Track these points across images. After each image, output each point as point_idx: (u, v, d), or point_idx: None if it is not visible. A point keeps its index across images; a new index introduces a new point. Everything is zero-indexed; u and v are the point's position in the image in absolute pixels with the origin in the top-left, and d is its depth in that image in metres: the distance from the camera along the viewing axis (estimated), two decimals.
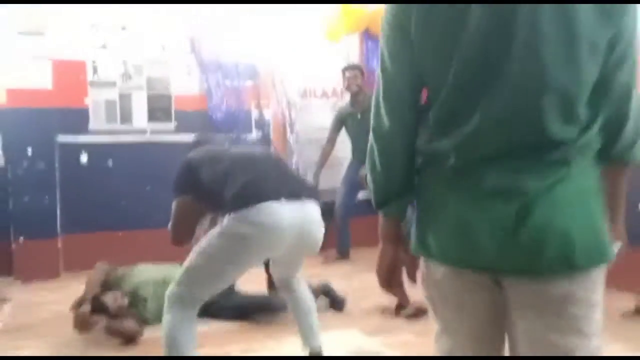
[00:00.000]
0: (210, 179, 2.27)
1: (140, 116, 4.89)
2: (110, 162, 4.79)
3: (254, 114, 5.24)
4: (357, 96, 4.80)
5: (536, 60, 1.03)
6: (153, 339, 3.05)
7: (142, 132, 4.89)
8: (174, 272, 3.42)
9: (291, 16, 5.14)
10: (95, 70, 4.74)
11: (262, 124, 5.25)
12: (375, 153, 1.23)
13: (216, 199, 2.22)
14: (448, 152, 1.12)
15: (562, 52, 1.03)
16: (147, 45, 4.88)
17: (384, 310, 3.47)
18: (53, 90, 4.51)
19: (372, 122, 1.24)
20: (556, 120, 1.05)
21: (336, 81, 5.45)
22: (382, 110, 1.21)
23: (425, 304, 1.32)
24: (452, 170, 1.12)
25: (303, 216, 2.21)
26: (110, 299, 3.12)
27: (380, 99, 1.22)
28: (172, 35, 4.93)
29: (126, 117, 4.85)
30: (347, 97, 5.15)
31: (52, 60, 4.51)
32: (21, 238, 4.41)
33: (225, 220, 2.14)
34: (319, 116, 5.40)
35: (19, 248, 4.41)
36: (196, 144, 2.69)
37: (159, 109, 4.95)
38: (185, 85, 5.01)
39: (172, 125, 4.97)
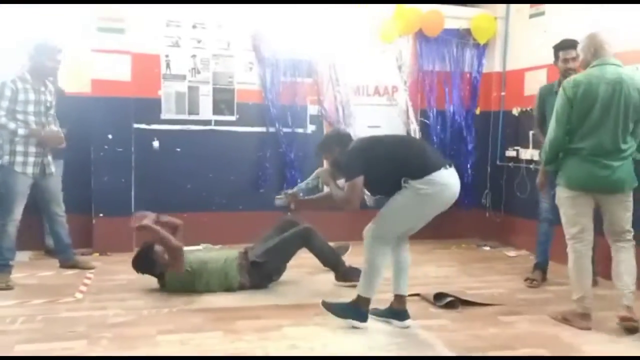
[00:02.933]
0: (389, 158, 3.17)
1: (206, 107, 5.32)
2: (178, 149, 5.25)
3: (310, 109, 5.56)
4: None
5: (617, 120, 3.20)
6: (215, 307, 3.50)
7: (207, 122, 5.32)
8: (233, 253, 3.93)
9: (347, 16, 5.44)
10: (167, 65, 5.20)
11: (316, 120, 5.56)
12: (548, 146, 3.37)
13: (395, 172, 3.12)
14: (583, 149, 3.23)
15: (623, 119, 3.21)
16: (214, 42, 5.29)
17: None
18: (131, 81, 4.98)
19: (549, 134, 3.35)
20: (622, 142, 3.23)
21: (388, 79, 5.73)
22: (555, 132, 3.30)
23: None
24: (584, 155, 3.24)
25: (455, 177, 3.22)
26: (160, 250, 3.84)
27: (554, 126, 3.31)
28: (236, 32, 5.32)
29: (193, 108, 5.29)
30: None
31: (131, 55, 4.98)
32: (100, 214, 4.93)
33: (413, 184, 3.07)
34: (371, 113, 5.65)
35: (98, 223, 4.93)
36: (341, 135, 3.54)
37: (222, 101, 5.37)
38: (246, 80, 5.39)
39: (234, 117, 5.38)
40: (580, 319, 3.33)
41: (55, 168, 4.27)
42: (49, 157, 4.17)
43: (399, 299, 3.37)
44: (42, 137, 4.03)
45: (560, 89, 3.34)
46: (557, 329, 3.33)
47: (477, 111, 5.91)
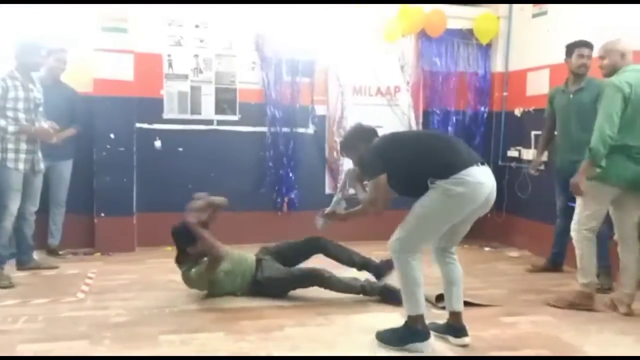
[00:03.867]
0: (412, 156, 2.93)
1: (208, 107, 5.32)
2: (180, 148, 5.25)
3: (311, 109, 5.55)
4: (582, 77, 4.33)
5: None
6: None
7: (209, 122, 5.33)
8: (250, 267, 3.83)
9: (350, 16, 5.44)
10: (170, 64, 5.20)
11: (317, 120, 5.56)
12: (603, 142, 3.34)
13: (418, 171, 2.87)
14: (633, 147, 3.43)
15: None
16: (217, 42, 5.29)
17: None
18: (133, 81, 4.98)
19: (606, 130, 3.35)
20: None
21: (390, 80, 5.72)
22: (610, 129, 3.36)
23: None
24: (632, 154, 3.43)
25: (490, 176, 2.95)
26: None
27: (611, 123, 3.36)
28: (239, 32, 5.32)
29: (196, 107, 5.30)
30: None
31: (134, 54, 4.98)
32: (102, 214, 4.93)
33: (441, 184, 2.80)
34: (373, 113, 5.60)
35: (100, 223, 4.94)
36: (365, 130, 3.21)
37: (225, 101, 5.37)
38: (249, 80, 5.39)
39: (236, 116, 5.38)
40: (588, 299, 3.63)
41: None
42: (39, 154, 4.18)
43: (453, 314, 3.10)
44: (32, 133, 4.05)
45: (612, 87, 3.41)
46: (559, 329, 3.33)
47: (486, 111, 5.88)
